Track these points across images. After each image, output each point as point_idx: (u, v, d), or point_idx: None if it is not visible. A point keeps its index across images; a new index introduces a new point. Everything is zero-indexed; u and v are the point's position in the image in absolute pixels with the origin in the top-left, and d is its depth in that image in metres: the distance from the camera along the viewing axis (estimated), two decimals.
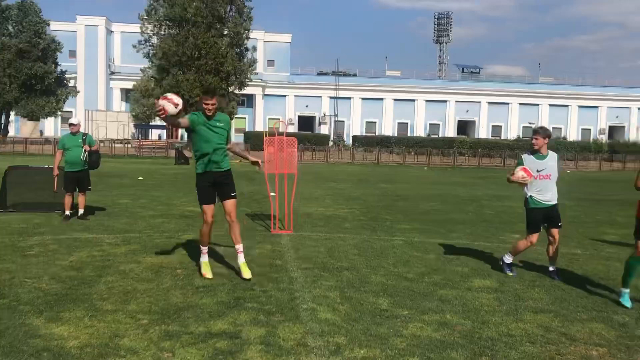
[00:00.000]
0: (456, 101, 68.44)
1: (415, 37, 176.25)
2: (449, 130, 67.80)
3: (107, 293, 5.63)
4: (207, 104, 6.22)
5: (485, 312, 5.44)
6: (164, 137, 56.70)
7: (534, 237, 6.85)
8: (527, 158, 6.79)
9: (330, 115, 66.13)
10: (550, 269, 6.92)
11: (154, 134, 57.18)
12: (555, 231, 6.85)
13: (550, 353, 4.42)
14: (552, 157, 6.79)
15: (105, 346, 4.24)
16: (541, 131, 6.76)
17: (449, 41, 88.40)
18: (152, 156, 39.62)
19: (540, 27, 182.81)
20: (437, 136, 61.95)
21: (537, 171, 6.67)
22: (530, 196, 6.76)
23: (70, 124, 10.45)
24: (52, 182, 10.63)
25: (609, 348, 4.57)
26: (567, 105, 69.94)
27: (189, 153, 38.31)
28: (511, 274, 6.87)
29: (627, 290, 5.81)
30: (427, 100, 67.94)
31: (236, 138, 57.67)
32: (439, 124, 68.65)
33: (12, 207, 11.03)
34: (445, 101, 68.37)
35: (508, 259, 7.02)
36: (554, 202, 6.78)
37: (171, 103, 5.98)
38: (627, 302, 5.72)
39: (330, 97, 66.34)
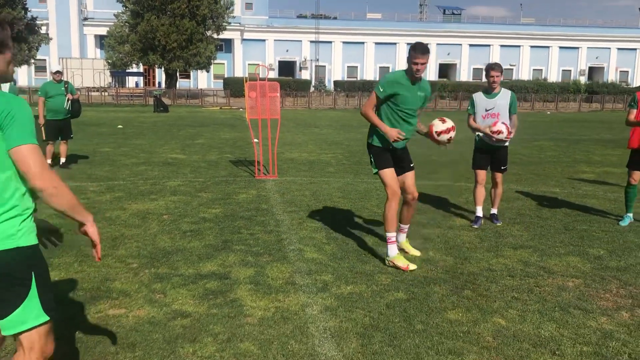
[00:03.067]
0: (437, 44, 67.76)
1: None
2: (431, 74, 67.39)
3: None
4: (417, 64, 4.92)
5: (466, 249, 5.60)
6: (141, 84, 55.66)
7: (477, 176, 6.55)
8: (477, 97, 6.56)
9: (311, 60, 65.25)
10: (492, 212, 6.72)
11: (130, 82, 56.05)
12: (497, 175, 6.62)
13: (529, 285, 4.60)
14: (504, 95, 6.42)
15: (97, 289, 4.33)
16: (497, 67, 6.34)
17: None
18: (130, 104, 38.95)
19: None
20: None
21: (486, 110, 6.38)
22: (477, 134, 6.52)
23: (57, 72, 10.24)
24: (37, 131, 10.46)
25: (584, 279, 4.77)
26: (548, 47, 69.71)
27: (168, 100, 37.77)
28: (475, 225, 6.46)
29: (629, 214, 6.72)
30: (408, 44, 67.03)
31: (215, 85, 56.90)
32: None
33: None
34: (426, 44, 67.67)
35: (478, 210, 6.60)
36: (501, 144, 6.45)
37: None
38: (624, 222, 6.67)
39: (311, 42, 65.26)
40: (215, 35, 44.50)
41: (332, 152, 13.42)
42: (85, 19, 60.62)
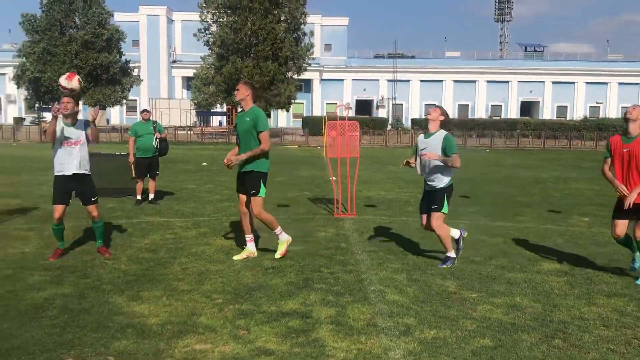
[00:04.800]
0: (519, 81, 66.39)
1: (475, 16, 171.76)
2: (512, 112, 65.94)
3: (182, 274, 5.88)
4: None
5: (555, 295, 5.36)
6: (225, 123, 57.77)
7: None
8: (420, 138, 6.69)
9: (388, 99, 65.55)
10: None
11: (214, 121, 58.33)
12: (432, 215, 6.36)
13: (626, 337, 4.33)
14: (438, 137, 6.37)
15: (184, 324, 4.46)
16: (437, 107, 6.69)
17: (510, 19, 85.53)
18: (214, 142, 40.47)
19: (608, 2, 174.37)
20: (499, 118, 60.33)
21: (420, 150, 6.45)
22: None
23: (144, 110, 10.89)
24: (124, 169, 11.11)
25: None
26: (638, 84, 66.65)
27: None
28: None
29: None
30: (488, 81, 66.21)
31: (294, 123, 58.15)
32: (501, 105, 66.85)
33: None
34: (507, 82, 66.43)
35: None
36: (435, 184, 6.33)
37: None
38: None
39: (388, 80, 65.68)
40: (295, 76, 45.72)
41: (410, 191, 13.30)
42: (174, 61, 64.05)
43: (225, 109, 55.38)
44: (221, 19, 43.58)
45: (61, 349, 3.94)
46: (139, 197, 10.63)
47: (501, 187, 14.67)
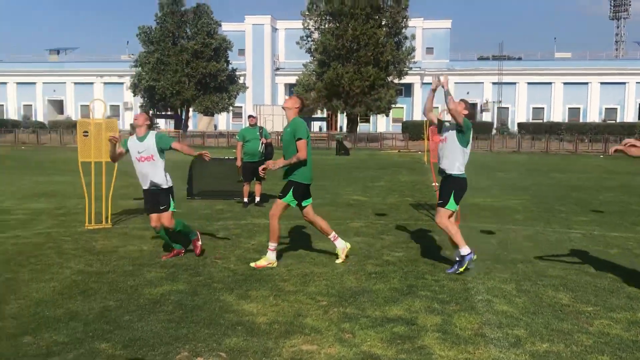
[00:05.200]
0: (637, 82, 61.97)
1: (587, 15, 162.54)
2: (629, 115, 61.59)
3: (287, 275, 6.02)
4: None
5: None
6: (325, 129, 58.57)
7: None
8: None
9: (493, 102, 63.49)
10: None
11: (315, 126, 59.32)
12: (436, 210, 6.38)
13: None
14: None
15: (290, 324, 4.56)
16: (461, 100, 6.43)
17: (627, 17, 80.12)
18: (314, 147, 41.17)
19: None
20: (614, 121, 56.61)
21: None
22: None
23: (250, 116, 11.28)
24: (233, 172, 11.59)
25: None
26: None
27: (349, 144, 39.15)
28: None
29: None
30: (602, 83, 62.32)
31: (394, 128, 57.81)
32: (616, 108, 62.66)
33: (197, 195, 12.17)
34: (623, 83, 62.17)
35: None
36: (445, 168, 6.35)
37: None
38: None
39: (493, 83, 63.63)
40: (396, 80, 45.50)
41: (518, 198, 12.79)
42: (277, 69, 65.86)
43: (325, 115, 56.16)
44: (323, 26, 44.29)
45: (177, 342, 4.16)
46: (245, 199, 11.02)
47: (617, 195, 13.75)
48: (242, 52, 63.66)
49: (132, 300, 5.13)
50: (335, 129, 59.95)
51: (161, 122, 59.97)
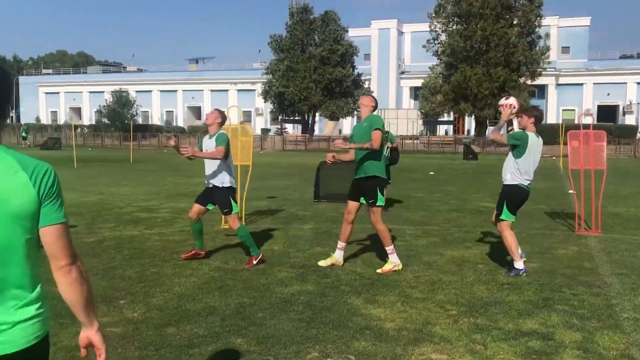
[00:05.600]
0: None
1: None
2: None
3: (415, 281, 5.95)
4: None
5: None
6: (451, 132, 57.29)
7: None
8: None
9: (638, 103, 58.46)
10: None
11: (441, 130, 58.22)
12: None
13: None
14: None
15: (419, 331, 4.50)
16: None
17: None
18: (440, 152, 40.39)
19: None
20: None
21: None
22: None
23: None
24: None
25: None
26: None
27: (478, 148, 37.98)
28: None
29: None
30: None
31: None
32: None
33: (324, 198, 12.41)
34: None
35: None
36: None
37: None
38: None
39: (638, 83, 58.63)
40: (528, 82, 43.45)
41: None
42: (402, 72, 65.51)
43: (451, 118, 54.93)
44: (450, 28, 43.38)
45: (307, 342, 4.27)
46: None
47: None
48: (367, 56, 64.09)
49: (264, 298, 5.34)
50: (463, 132, 58.44)
51: (289, 127, 62.08)
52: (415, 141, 46.00)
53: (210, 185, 6.73)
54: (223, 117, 6.84)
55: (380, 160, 6.34)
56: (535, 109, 6.73)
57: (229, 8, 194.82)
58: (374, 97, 6.83)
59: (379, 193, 6.31)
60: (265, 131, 60.96)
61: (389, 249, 6.42)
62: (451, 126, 57.69)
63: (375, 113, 6.57)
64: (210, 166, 6.67)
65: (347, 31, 52.04)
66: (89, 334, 1.97)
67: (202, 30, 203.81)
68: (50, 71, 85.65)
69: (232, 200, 6.65)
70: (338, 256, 6.63)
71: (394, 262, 6.40)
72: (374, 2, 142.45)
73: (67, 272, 1.86)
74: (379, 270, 6.35)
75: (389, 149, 11.05)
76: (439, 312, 4.98)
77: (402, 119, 53.62)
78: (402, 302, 5.23)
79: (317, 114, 52.79)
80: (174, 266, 6.54)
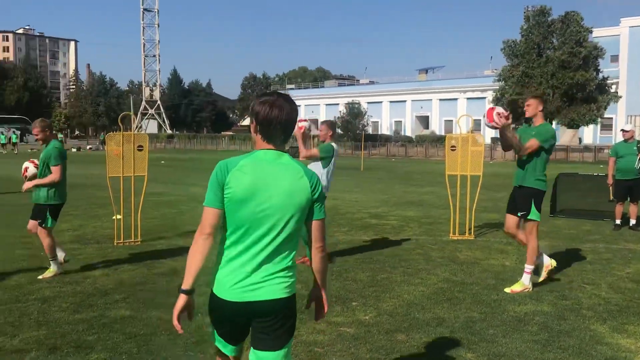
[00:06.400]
0: None
1: None
2: None
3: None
4: None
5: None
6: None
7: None
8: None
9: None
10: None
11: None
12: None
13: None
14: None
15: None
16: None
17: None
18: None
19: None
20: None
21: None
22: None
23: (623, 130, 10.18)
24: (603, 190, 10.61)
25: None
26: None
27: None
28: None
29: None
30: None
31: None
32: None
33: (561, 213, 11.50)
34: None
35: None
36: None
37: None
38: None
39: None
40: None
41: None
42: None
43: None
44: None
45: None
46: (617, 221, 9.94)
47: None
48: (614, 58, 57.93)
49: (495, 315, 5.14)
50: None
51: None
52: None
53: None
54: (333, 129, 7.20)
55: (542, 171, 5.82)
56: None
57: (461, 16, 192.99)
58: (542, 97, 6.20)
59: (533, 206, 5.78)
60: (495, 140, 58.84)
61: (528, 268, 5.89)
62: None
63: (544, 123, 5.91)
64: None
65: (591, 32, 47.66)
66: (320, 293, 2.69)
67: (434, 39, 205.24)
68: (292, 86, 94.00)
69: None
70: (526, 282, 5.95)
71: (525, 284, 5.87)
72: None
73: (321, 250, 2.60)
74: (507, 290, 5.86)
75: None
76: None
77: None
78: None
79: (553, 122, 49.25)
80: (403, 274, 6.65)
